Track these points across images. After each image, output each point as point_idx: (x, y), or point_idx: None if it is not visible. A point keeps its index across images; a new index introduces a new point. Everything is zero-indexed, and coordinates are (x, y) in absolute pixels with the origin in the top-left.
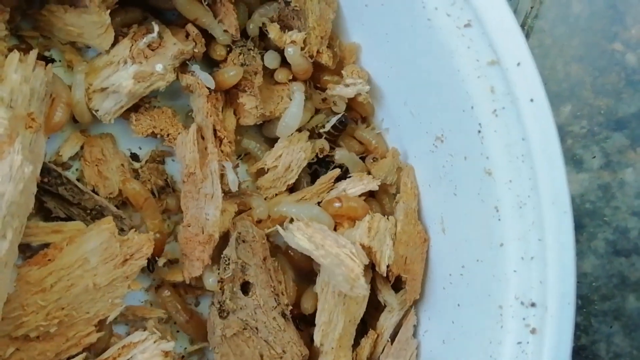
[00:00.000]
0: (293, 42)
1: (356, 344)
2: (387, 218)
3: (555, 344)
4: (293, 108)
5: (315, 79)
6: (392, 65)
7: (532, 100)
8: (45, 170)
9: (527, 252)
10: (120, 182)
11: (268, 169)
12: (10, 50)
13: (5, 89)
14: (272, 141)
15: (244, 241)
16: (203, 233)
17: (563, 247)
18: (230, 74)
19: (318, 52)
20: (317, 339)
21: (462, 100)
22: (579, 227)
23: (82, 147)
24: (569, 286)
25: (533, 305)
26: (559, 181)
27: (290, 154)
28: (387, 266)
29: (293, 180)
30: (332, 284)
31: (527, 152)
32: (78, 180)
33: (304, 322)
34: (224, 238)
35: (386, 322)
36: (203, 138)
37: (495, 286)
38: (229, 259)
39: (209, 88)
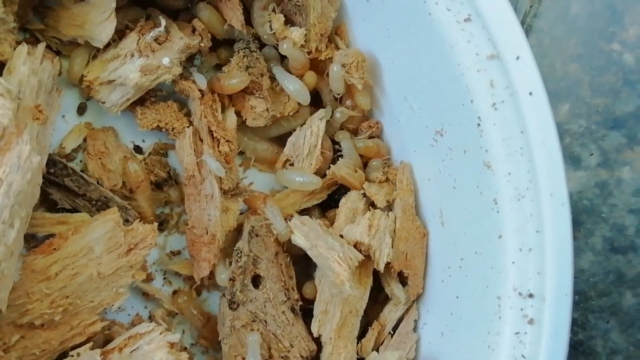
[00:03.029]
0: (285, 37)
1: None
2: (387, 215)
3: (553, 334)
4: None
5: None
6: (392, 61)
7: (530, 93)
8: (51, 162)
9: (525, 244)
10: (122, 158)
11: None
12: (18, 43)
13: (13, 81)
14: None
15: (257, 235)
16: (207, 234)
17: (561, 239)
18: (233, 81)
19: (317, 49)
20: (314, 329)
21: (462, 94)
22: (576, 224)
23: (84, 140)
24: (567, 277)
25: (531, 296)
26: (557, 174)
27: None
28: (388, 263)
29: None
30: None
31: (526, 145)
32: (82, 172)
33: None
34: (239, 232)
35: (390, 314)
36: (202, 140)
37: (494, 278)
38: (241, 252)
39: (202, 91)
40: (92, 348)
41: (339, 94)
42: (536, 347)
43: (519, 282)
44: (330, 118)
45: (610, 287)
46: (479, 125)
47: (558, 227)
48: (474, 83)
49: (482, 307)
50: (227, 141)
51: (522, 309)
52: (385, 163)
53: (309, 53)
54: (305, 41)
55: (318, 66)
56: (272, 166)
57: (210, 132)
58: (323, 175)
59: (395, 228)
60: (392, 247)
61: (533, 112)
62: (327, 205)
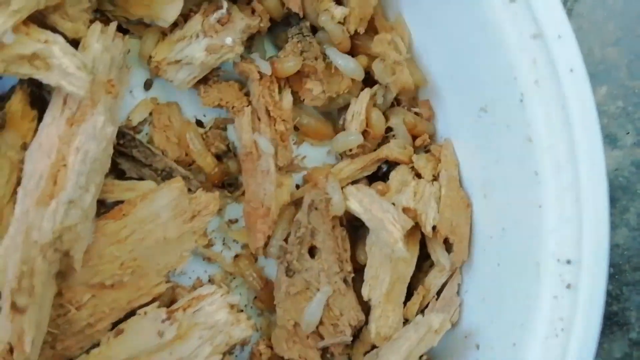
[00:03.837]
0: (326, 10)
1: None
2: (432, 183)
3: (589, 297)
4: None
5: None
6: (438, 40)
7: (571, 70)
8: (120, 134)
9: (564, 213)
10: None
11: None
12: (92, 22)
13: (88, 57)
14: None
15: (316, 208)
16: (262, 207)
17: (598, 208)
18: (287, 65)
19: (356, 32)
20: (365, 292)
21: (505, 71)
22: (612, 200)
23: (150, 114)
24: (603, 245)
25: (568, 262)
26: (595, 146)
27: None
28: (434, 227)
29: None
30: (378, 244)
31: (566, 120)
32: (148, 144)
33: None
34: (295, 205)
35: (435, 280)
36: (260, 119)
37: (534, 245)
38: (300, 223)
39: (261, 73)
40: (158, 307)
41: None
42: (573, 310)
43: (558, 249)
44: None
45: None
46: (521, 101)
47: (596, 197)
48: (517, 61)
49: (522, 273)
50: (283, 120)
51: (560, 275)
52: (430, 140)
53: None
54: (345, 22)
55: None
56: (324, 139)
57: (268, 111)
58: (375, 149)
59: (440, 196)
60: (438, 212)
61: (573, 88)
62: (373, 178)
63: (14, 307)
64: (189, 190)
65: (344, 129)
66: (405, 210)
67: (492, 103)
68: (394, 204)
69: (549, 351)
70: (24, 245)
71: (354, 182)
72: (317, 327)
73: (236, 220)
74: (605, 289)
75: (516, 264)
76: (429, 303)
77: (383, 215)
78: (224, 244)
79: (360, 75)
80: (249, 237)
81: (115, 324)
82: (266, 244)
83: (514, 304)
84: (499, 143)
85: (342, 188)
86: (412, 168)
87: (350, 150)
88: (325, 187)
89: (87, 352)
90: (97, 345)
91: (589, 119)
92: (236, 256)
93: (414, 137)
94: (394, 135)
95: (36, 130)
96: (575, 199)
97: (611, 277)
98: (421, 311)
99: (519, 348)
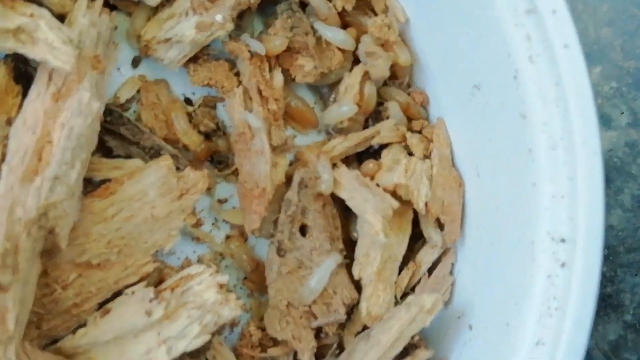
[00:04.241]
0: None
1: None
2: (424, 161)
3: (584, 276)
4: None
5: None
6: (430, 19)
7: (566, 46)
8: (108, 111)
9: (558, 191)
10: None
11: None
12: None
13: (74, 32)
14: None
15: (306, 186)
16: (257, 187)
17: (592, 186)
18: (276, 43)
19: (343, 9)
20: (355, 271)
21: (499, 48)
22: (606, 181)
23: (138, 92)
24: (598, 223)
25: (563, 240)
26: (590, 123)
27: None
28: (426, 204)
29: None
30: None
31: (561, 96)
32: (136, 121)
33: None
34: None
35: (426, 256)
36: (251, 99)
37: (528, 224)
38: (290, 202)
39: (251, 52)
40: (146, 287)
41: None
42: (567, 289)
43: (552, 228)
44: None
45: (639, 243)
46: (515, 77)
47: (590, 174)
48: (511, 37)
49: (516, 252)
50: (275, 99)
51: (554, 253)
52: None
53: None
54: None
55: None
56: (308, 126)
57: (259, 91)
58: (366, 123)
59: (432, 174)
60: (430, 189)
61: (568, 64)
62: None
63: None
64: (178, 168)
65: None
66: (397, 186)
67: (485, 80)
68: (378, 184)
69: (543, 331)
70: (8, 222)
71: (345, 159)
72: (310, 307)
73: (226, 200)
74: (601, 267)
75: (510, 242)
76: (420, 280)
77: (363, 205)
78: (213, 224)
79: (351, 45)
80: (244, 219)
81: (102, 304)
82: (262, 225)
83: (508, 284)
84: (492, 121)
85: (333, 166)
86: (405, 147)
87: (342, 123)
88: (316, 166)
89: (74, 332)
90: (83, 325)
91: (584, 96)
92: (227, 237)
93: (408, 119)
94: (387, 117)
95: (21, 105)
96: (570, 176)
97: (605, 259)
98: (412, 288)
99: (513, 328)
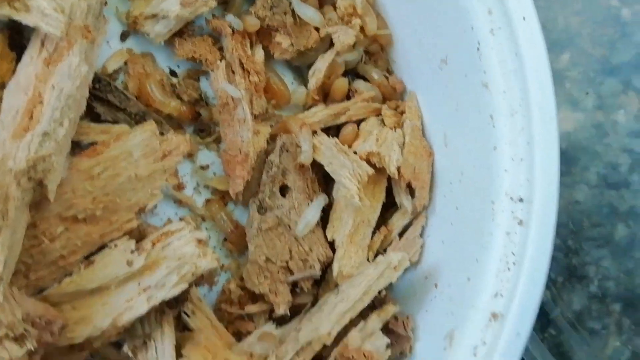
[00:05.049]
0: None
1: None
2: (395, 130)
3: (540, 233)
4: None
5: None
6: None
7: (524, 18)
8: (96, 79)
9: (517, 154)
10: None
11: None
12: None
13: (66, 3)
14: (299, 69)
15: (287, 150)
16: (241, 153)
17: (548, 150)
18: (251, 23)
19: None
20: (329, 233)
21: (463, 22)
22: (573, 159)
23: (125, 63)
24: (553, 184)
25: (521, 200)
26: (546, 91)
27: None
28: (399, 170)
29: None
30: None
31: (519, 66)
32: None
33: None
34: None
35: (398, 221)
36: (234, 72)
37: (489, 185)
38: (272, 163)
39: (233, 29)
40: (129, 240)
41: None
42: (524, 245)
43: (511, 188)
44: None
45: (604, 219)
46: (478, 49)
47: (546, 139)
48: (474, 11)
49: (477, 213)
50: (257, 72)
51: (512, 212)
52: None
53: None
54: None
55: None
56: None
57: (241, 64)
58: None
59: (404, 143)
60: (402, 156)
61: (526, 35)
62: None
63: None
64: (162, 134)
65: None
66: (370, 155)
67: (451, 54)
68: (355, 152)
69: (501, 283)
70: None
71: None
72: (286, 262)
73: (207, 167)
74: (555, 225)
75: (473, 205)
76: (391, 243)
77: (341, 170)
78: (195, 188)
79: (319, 22)
80: (229, 183)
81: (87, 258)
82: (245, 189)
83: (470, 242)
84: (458, 92)
85: (314, 133)
86: (382, 121)
87: (306, 104)
88: (297, 136)
89: (59, 282)
90: (69, 275)
91: (541, 65)
92: (207, 200)
93: (384, 100)
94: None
95: (14, 71)
96: (528, 141)
97: (571, 233)
98: (384, 251)
99: (474, 282)
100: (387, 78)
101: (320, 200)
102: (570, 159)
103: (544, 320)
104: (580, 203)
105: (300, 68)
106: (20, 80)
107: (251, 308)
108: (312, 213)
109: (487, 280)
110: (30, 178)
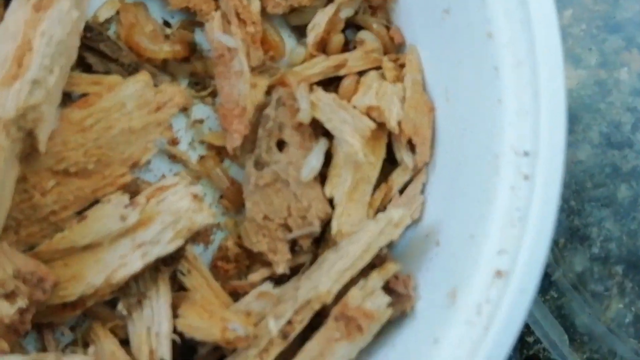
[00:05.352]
0: None
1: None
2: (395, 84)
3: (545, 188)
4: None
5: None
6: None
7: None
8: (88, 28)
9: (522, 107)
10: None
11: None
12: None
13: None
14: (298, 29)
15: (283, 104)
16: (238, 107)
17: (555, 102)
18: None
19: None
20: (327, 190)
21: None
22: (575, 118)
23: (117, 13)
24: (559, 137)
25: (526, 154)
26: (553, 42)
27: None
28: (399, 124)
29: None
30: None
31: (525, 16)
32: None
33: None
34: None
35: (398, 178)
36: (229, 22)
37: (493, 139)
38: (269, 117)
39: None
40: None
41: None
42: (529, 200)
43: (516, 142)
44: None
45: (606, 179)
46: None
47: (553, 91)
48: None
49: (481, 169)
50: (253, 22)
51: (517, 166)
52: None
53: None
54: None
55: None
56: (277, 55)
57: (237, 14)
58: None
59: (405, 97)
60: (403, 111)
61: None
62: None
63: None
64: (156, 86)
65: None
66: (369, 109)
67: (454, 3)
68: (354, 107)
69: (505, 240)
70: None
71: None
72: (285, 220)
73: (202, 121)
74: (562, 180)
75: (476, 160)
76: (391, 200)
77: (342, 126)
78: (189, 144)
79: None
80: (226, 138)
81: (79, 214)
82: (243, 143)
83: (473, 198)
84: (461, 43)
85: (311, 86)
86: (382, 75)
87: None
88: (295, 92)
89: (51, 238)
90: (61, 231)
91: (548, 15)
92: (202, 157)
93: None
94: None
95: (2, 18)
96: (534, 93)
97: (573, 193)
98: (384, 208)
99: (477, 239)
100: (387, 28)
101: (322, 145)
102: (572, 117)
103: (545, 282)
104: (582, 162)
105: (300, 28)
106: (9, 27)
107: (254, 277)
108: (316, 157)
109: (491, 237)
110: (20, 128)
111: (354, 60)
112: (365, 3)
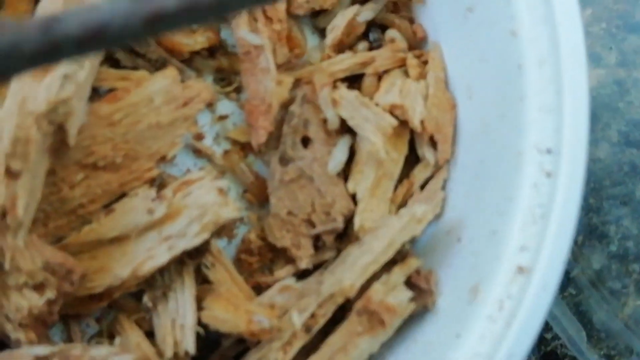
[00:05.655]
0: None
1: None
2: (418, 82)
3: (568, 185)
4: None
5: None
6: None
7: None
8: None
9: (545, 104)
10: None
11: None
12: None
13: None
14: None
15: (308, 101)
16: (264, 103)
17: (578, 100)
18: None
19: None
20: (350, 186)
21: None
22: (594, 116)
23: None
24: (582, 135)
25: (549, 151)
26: (577, 40)
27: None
28: (422, 122)
29: None
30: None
31: (550, 15)
32: None
33: None
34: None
35: (420, 174)
36: (256, 20)
37: (515, 136)
38: (294, 114)
39: None
40: (149, 188)
41: None
42: (551, 197)
43: (539, 139)
44: None
45: (625, 177)
46: None
47: (576, 89)
48: None
49: (503, 165)
50: (279, 20)
51: (540, 164)
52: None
53: None
54: None
55: None
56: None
57: (264, 11)
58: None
59: (427, 95)
60: (425, 109)
61: None
62: None
63: (9, 171)
64: (182, 81)
65: None
66: (393, 107)
67: (478, 1)
68: (377, 104)
69: (527, 237)
70: (19, 115)
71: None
72: (309, 215)
73: (227, 117)
74: (584, 178)
75: (498, 157)
76: (413, 195)
77: (364, 124)
78: (214, 139)
79: None
80: (252, 134)
81: (106, 207)
82: (268, 140)
83: (495, 195)
84: (484, 41)
85: (335, 82)
86: (405, 72)
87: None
88: (319, 97)
89: (79, 231)
90: (88, 223)
91: (571, 13)
92: (226, 151)
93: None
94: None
95: (33, 12)
96: (557, 90)
97: (592, 191)
98: (405, 204)
99: (499, 236)
100: (410, 22)
101: (346, 140)
102: (592, 116)
103: (564, 279)
104: (601, 161)
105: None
106: None
107: (280, 273)
108: (342, 151)
109: (513, 234)
110: (50, 121)
111: (382, 59)
112: (389, 1)
